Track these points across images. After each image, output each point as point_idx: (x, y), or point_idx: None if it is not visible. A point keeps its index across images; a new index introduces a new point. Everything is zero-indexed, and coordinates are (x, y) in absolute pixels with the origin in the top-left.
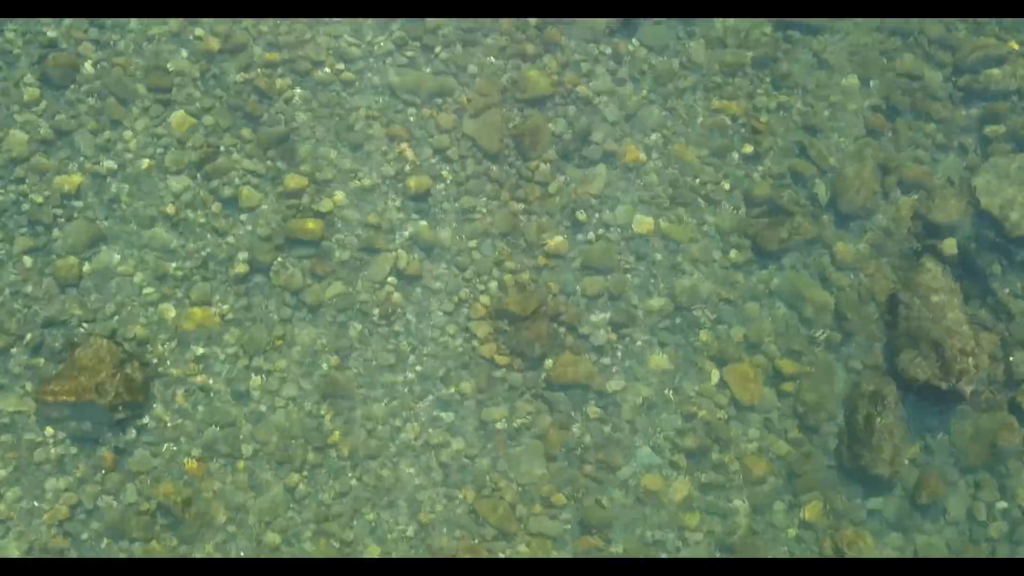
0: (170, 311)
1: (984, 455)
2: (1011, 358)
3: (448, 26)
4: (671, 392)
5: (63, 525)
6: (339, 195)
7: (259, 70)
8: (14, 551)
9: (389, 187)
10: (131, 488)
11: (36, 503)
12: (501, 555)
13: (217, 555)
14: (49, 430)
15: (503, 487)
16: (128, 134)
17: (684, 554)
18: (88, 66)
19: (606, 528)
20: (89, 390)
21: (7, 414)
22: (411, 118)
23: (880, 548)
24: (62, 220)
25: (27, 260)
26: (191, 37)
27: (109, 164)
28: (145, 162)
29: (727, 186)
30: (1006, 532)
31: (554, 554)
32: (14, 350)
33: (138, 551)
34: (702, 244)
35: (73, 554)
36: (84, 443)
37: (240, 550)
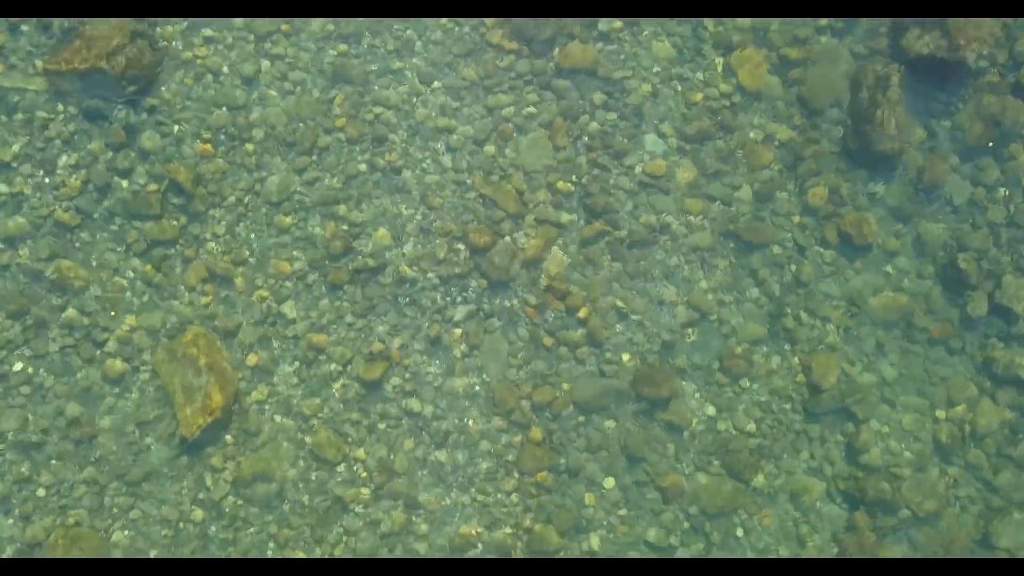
0: None
1: (987, 138)
2: (1015, 42)
3: None
4: (677, 80)
5: (74, 201)
6: None
7: None
8: (26, 225)
9: None
10: (141, 168)
11: (48, 179)
12: (507, 238)
13: (227, 236)
14: (60, 106)
15: (511, 173)
16: None
17: (689, 238)
18: None
19: (612, 213)
20: (100, 58)
21: (19, 91)
22: None
23: (883, 233)
24: None
25: None
26: None
27: None
28: None
29: None
30: (1007, 215)
31: (559, 241)
32: (25, 27)
33: (148, 230)
34: None
35: (84, 231)
36: (95, 120)
37: (250, 230)
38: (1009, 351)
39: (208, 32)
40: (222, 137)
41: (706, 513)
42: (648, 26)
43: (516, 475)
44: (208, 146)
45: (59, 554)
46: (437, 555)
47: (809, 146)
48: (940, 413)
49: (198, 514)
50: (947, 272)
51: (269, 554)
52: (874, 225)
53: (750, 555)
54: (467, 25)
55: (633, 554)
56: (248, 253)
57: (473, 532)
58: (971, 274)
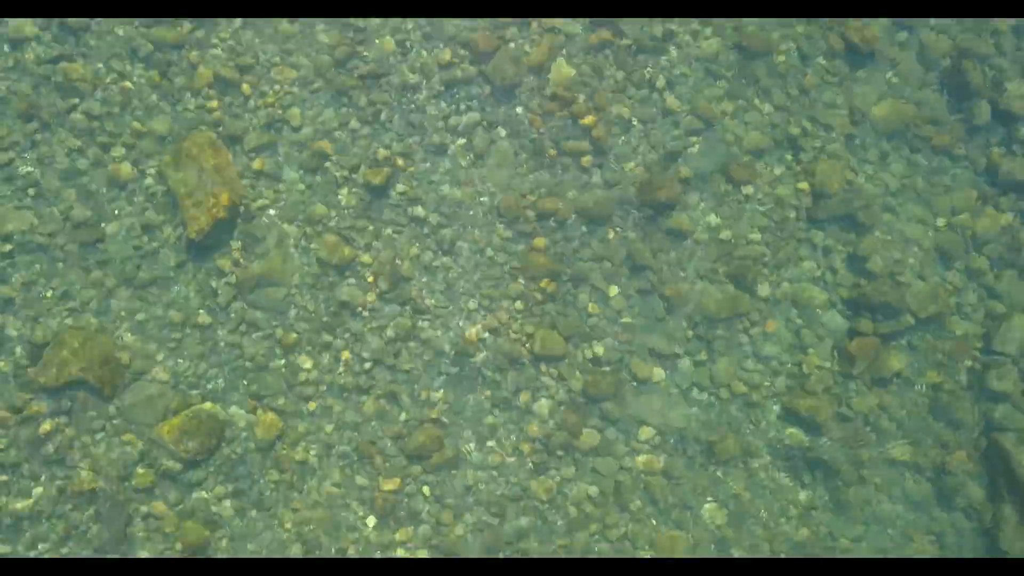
0: None
1: None
2: None
3: None
4: None
5: None
6: None
7: None
8: (32, 27)
9: None
10: None
11: None
12: (512, 44)
13: (232, 41)
14: None
15: None
16: None
17: (694, 47)
18: None
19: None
20: None
21: None
22: None
23: (886, 41)
24: None
25: None
26: None
27: None
28: None
29: None
30: (1011, 21)
31: (564, 50)
32: None
33: (154, 34)
34: None
35: (90, 34)
36: None
37: (255, 36)
38: (1011, 156)
39: None
40: None
41: (710, 321)
42: None
43: (521, 282)
44: None
45: (67, 354)
46: (442, 358)
47: None
48: (942, 221)
49: (204, 318)
50: (950, 80)
51: (275, 359)
52: (877, 33)
53: (752, 362)
54: None
55: (636, 361)
56: (253, 59)
57: (478, 337)
58: (974, 81)
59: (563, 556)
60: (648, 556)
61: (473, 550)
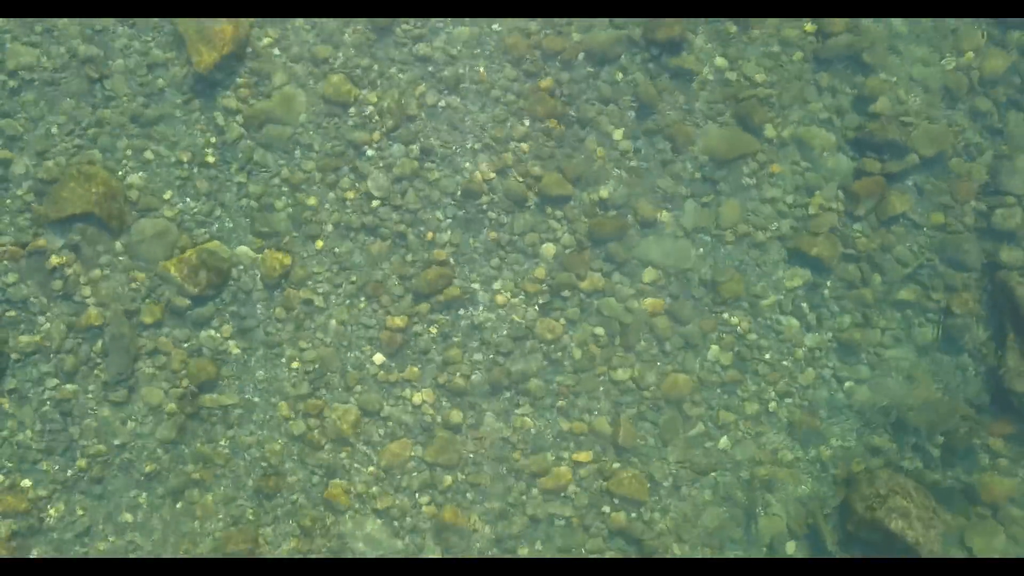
0: None
1: None
2: None
3: None
4: None
5: None
6: None
7: None
8: None
9: None
10: None
11: None
12: None
13: None
14: None
15: None
16: None
17: None
18: None
19: None
20: None
21: None
22: None
23: None
24: None
25: None
26: None
27: None
28: None
29: None
30: None
31: None
32: None
33: None
34: None
35: None
36: None
37: None
38: None
39: None
40: None
41: (716, 162)
42: None
43: (527, 123)
44: None
45: (73, 190)
46: (448, 199)
47: None
48: (949, 62)
49: (211, 156)
50: None
51: (282, 198)
52: None
53: (757, 203)
54: None
55: (642, 202)
56: None
57: (484, 178)
58: None
59: (566, 396)
60: (654, 394)
61: (479, 389)
